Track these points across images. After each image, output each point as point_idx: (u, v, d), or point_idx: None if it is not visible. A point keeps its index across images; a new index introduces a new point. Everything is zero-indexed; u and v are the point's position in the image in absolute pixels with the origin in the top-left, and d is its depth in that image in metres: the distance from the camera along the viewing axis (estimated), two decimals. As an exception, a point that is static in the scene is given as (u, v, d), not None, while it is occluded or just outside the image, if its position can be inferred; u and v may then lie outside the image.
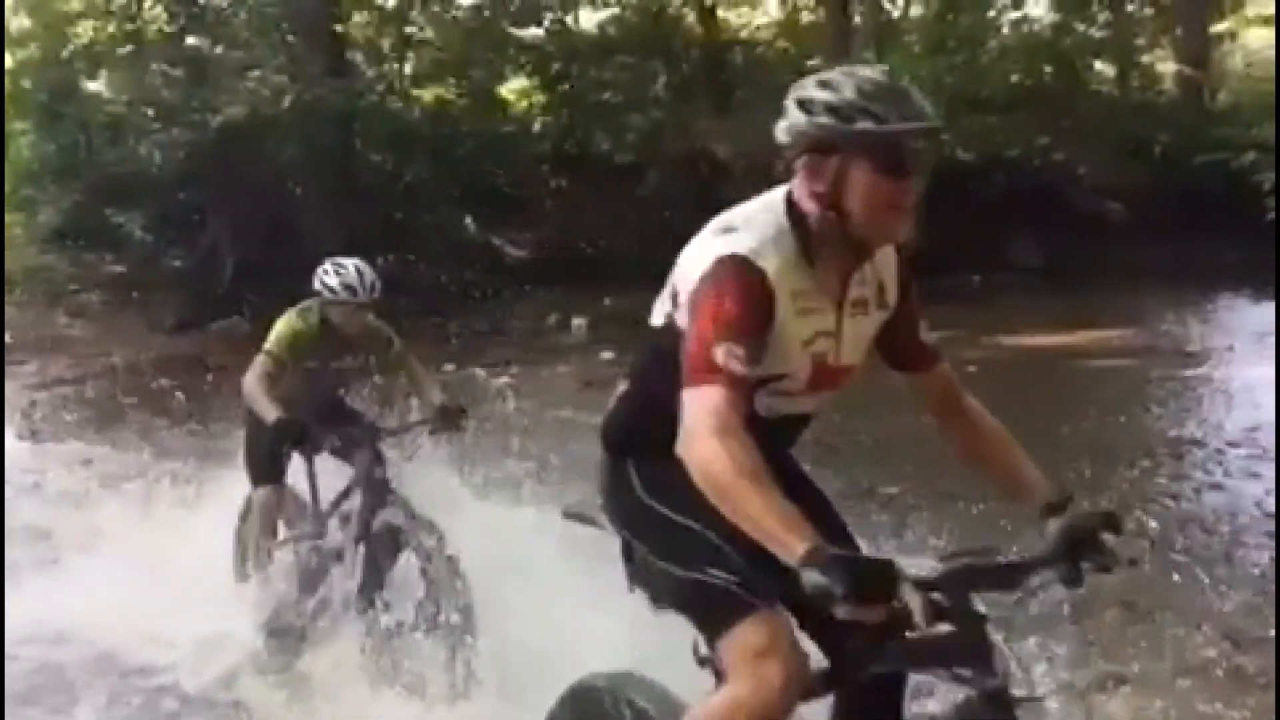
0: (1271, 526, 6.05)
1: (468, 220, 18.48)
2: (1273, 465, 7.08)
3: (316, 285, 4.92)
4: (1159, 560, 5.60)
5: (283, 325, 5.03)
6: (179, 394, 11.33)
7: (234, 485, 5.59)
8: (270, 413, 4.79)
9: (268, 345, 4.98)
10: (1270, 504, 6.41)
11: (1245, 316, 13.51)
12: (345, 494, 4.98)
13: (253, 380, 4.91)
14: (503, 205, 18.78)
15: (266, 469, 5.20)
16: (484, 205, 18.51)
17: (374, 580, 4.72)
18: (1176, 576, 5.36)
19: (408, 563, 4.65)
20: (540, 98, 20.49)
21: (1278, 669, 3.95)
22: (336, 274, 4.89)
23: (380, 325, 5.24)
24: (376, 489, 4.76)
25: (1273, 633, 4.62)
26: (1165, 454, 7.65)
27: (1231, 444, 7.82)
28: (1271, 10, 20.61)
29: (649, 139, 19.39)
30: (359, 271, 4.90)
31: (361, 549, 4.74)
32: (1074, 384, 10.47)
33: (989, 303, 15.18)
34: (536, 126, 20.41)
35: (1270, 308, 11.50)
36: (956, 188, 17.13)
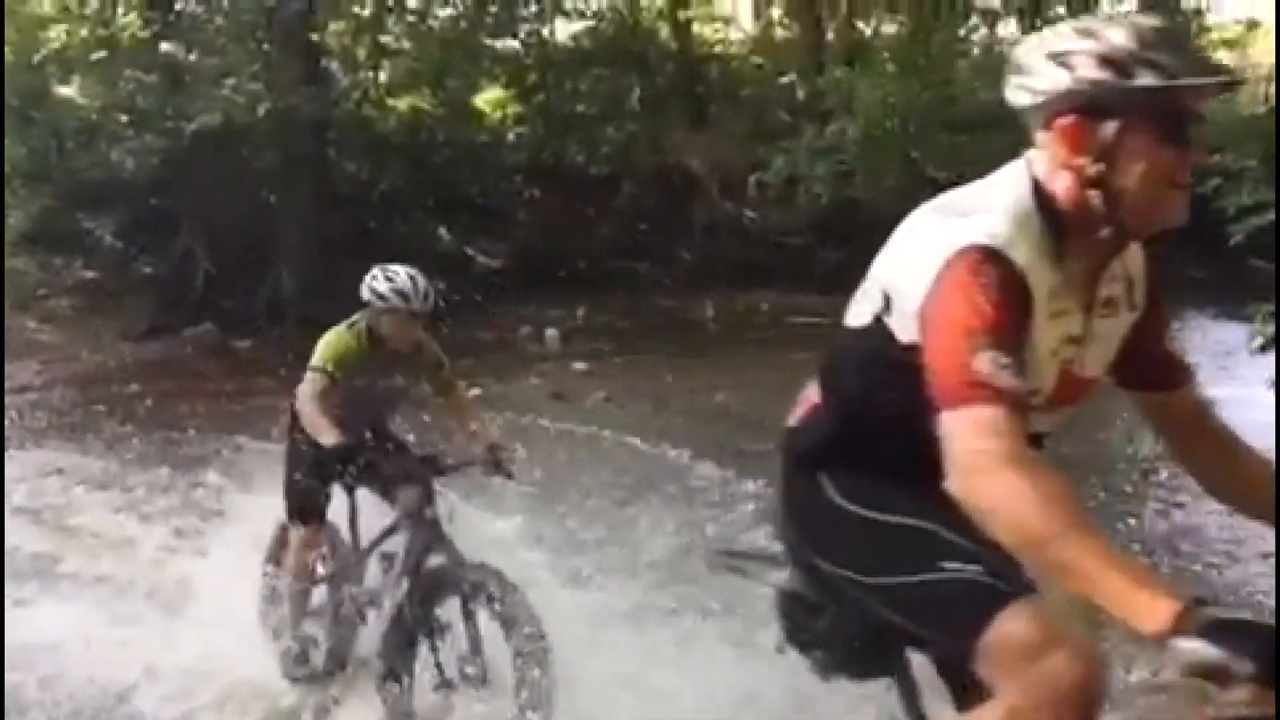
0: (1233, 545, 6.14)
1: (442, 230, 18.47)
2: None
3: (365, 294, 4.54)
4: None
5: (332, 339, 4.63)
6: (149, 401, 11.33)
7: (222, 498, 5.47)
8: (329, 435, 4.33)
9: (318, 361, 4.55)
10: (1231, 523, 6.50)
11: (1209, 335, 13.70)
12: (389, 532, 4.56)
13: (309, 400, 4.45)
14: (477, 215, 18.78)
15: (310, 503, 4.76)
16: (458, 215, 18.52)
17: (418, 629, 4.30)
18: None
19: (458, 612, 4.20)
20: (515, 108, 20.52)
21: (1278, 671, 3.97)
22: (388, 279, 4.51)
23: (432, 343, 4.83)
24: (428, 529, 4.32)
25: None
26: (1129, 472, 7.75)
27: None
28: (1234, 34, 21.04)
29: (623, 151, 19.46)
30: (412, 278, 4.50)
31: (404, 594, 4.30)
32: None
33: (958, 319, 15.29)
34: (511, 137, 20.43)
35: (1231, 327, 11.68)
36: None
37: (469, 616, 4.12)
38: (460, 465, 4.61)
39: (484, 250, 18.51)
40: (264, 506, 5.42)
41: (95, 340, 15.32)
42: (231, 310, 15.79)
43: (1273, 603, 5.16)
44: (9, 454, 9.23)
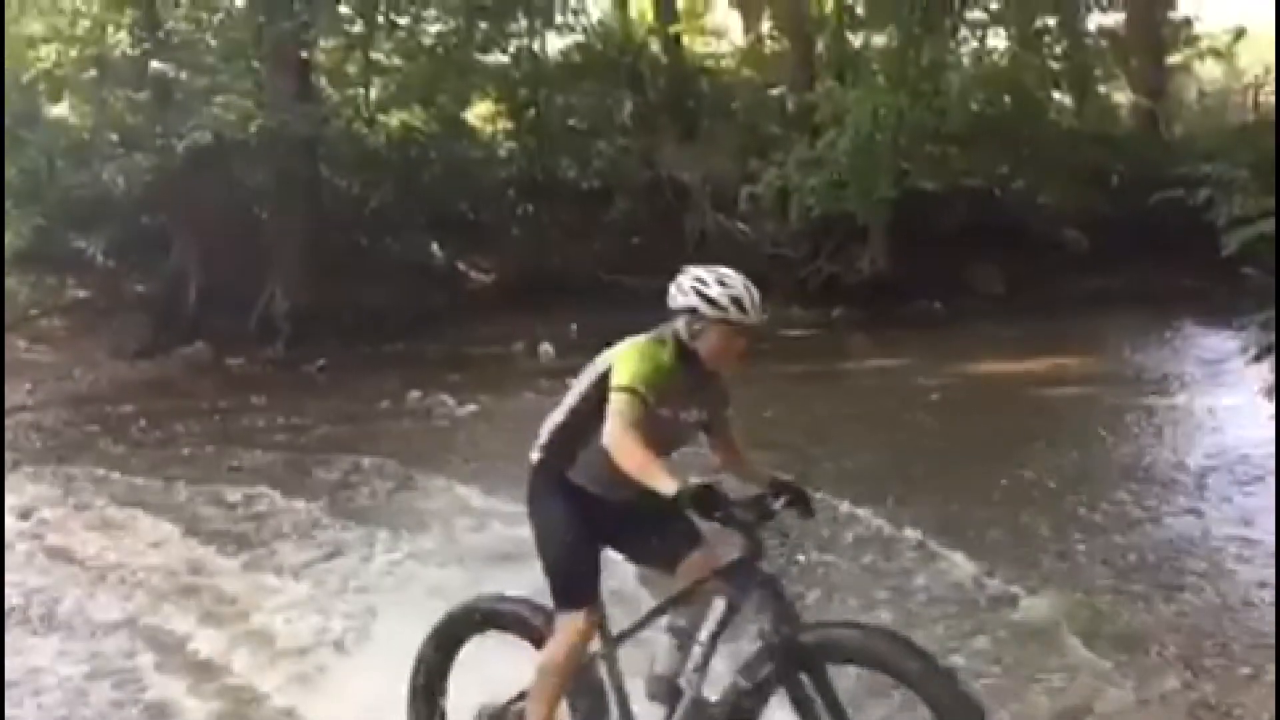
0: (1229, 561, 6.13)
1: (434, 245, 18.48)
2: (1235, 492, 7.21)
3: (682, 300, 3.53)
4: (1120, 589, 5.69)
5: (641, 352, 3.55)
6: (143, 420, 11.29)
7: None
8: (667, 480, 3.20)
9: (628, 381, 3.43)
10: (1235, 532, 6.50)
11: (1202, 344, 13.74)
12: (678, 599, 3.59)
13: (626, 432, 3.34)
14: (469, 230, 18.81)
15: (592, 579, 3.62)
16: (450, 230, 18.53)
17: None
18: (1142, 605, 5.45)
19: (812, 689, 3.28)
20: (506, 124, 20.57)
21: (1278, 672, 3.94)
22: (721, 284, 3.51)
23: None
24: (779, 599, 3.31)
25: (1229, 662, 4.70)
26: (1124, 481, 7.75)
27: (1195, 471, 7.92)
28: (1222, 44, 21.16)
29: (615, 165, 19.51)
30: (745, 284, 3.54)
31: (733, 683, 3.34)
32: (1034, 411, 10.59)
33: (951, 330, 15.34)
34: (502, 152, 20.48)
35: (1226, 335, 11.71)
36: (919, 216, 17.38)
37: (825, 692, 3.28)
38: (783, 506, 3.49)
39: (476, 265, 18.53)
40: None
41: (88, 360, 15.29)
42: (224, 328, 15.77)
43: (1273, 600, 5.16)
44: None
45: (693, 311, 3.51)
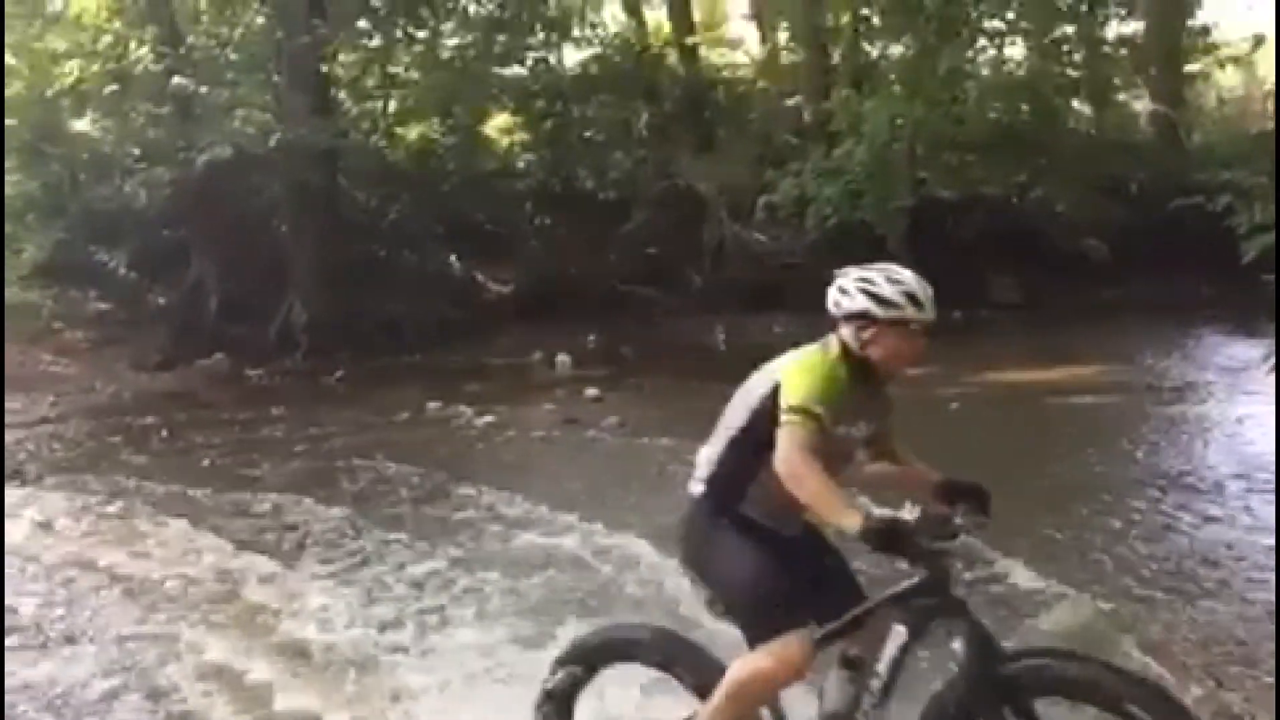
0: (1252, 569, 6.09)
1: (452, 257, 18.56)
2: (1257, 501, 7.16)
3: (849, 306, 3.20)
4: (1143, 596, 5.67)
5: (814, 370, 3.16)
6: (164, 431, 11.36)
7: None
8: (850, 515, 2.89)
9: (802, 401, 3.05)
10: (1258, 539, 6.46)
11: (1223, 351, 13.66)
12: (851, 623, 3.19)
13: (804, 458, 2.99)
14: (486, 242, 18.87)
15: (798, 595, 3.21)
16: (468, 242, 18.60)
17: None
18: (1165, 612, 5.42)
19: None
20: (524, 135, 20.65)
21: (1277, 674, 3.92)
22: (891, 281, 3.19)
23: None
24: (975, 626, 2.99)
25: (1257, 673, 4.67)
26: (1145, 488, 7.71)
27: (1217, 478, 7.88)
28: (1241, 52, 21.06)
29: (632, 176, 19.56)
30: (915, 278, 3.25)
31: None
32: (1054, 419, 10.55)
33: (969, 339, 15.25)
34: (520, 164, 20.57)
35: (1247, 343, 11.64)
36: (937, 225, 17.35)
37: None
38: (966, 518, 3.15)
39: (494, 277, 18.58)
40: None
41: (109, 372, 15.41)
42: (243, 339, 15.86)
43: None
44: (26, 489, 9.28)
45: (863, 315, 3.16)
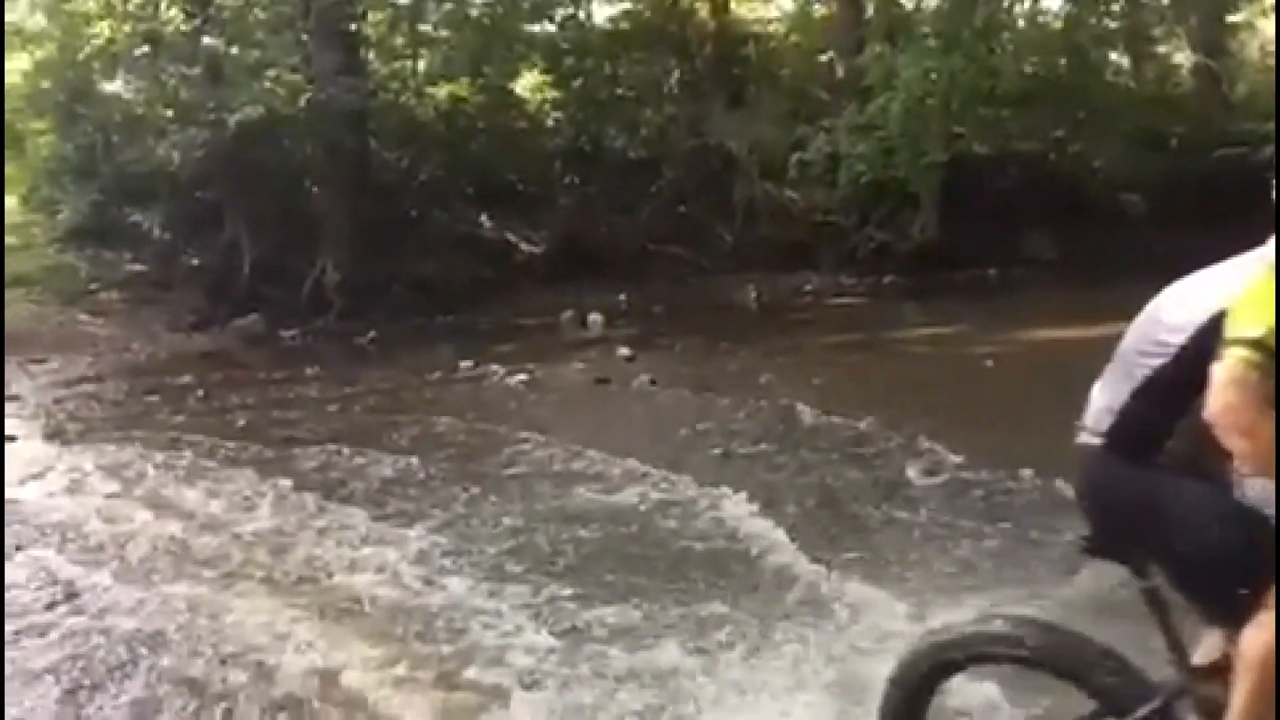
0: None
1: (482, 217, 18.54)
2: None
3: None
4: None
5: (1272, 291, 2.37)
6: (200, 391, 11.46)
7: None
8: None
9: (1263, 333, 2.32)
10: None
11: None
12: None
13: (1246, 403, 2.29)
14: (517, 201, 18.84)
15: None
16: (498, 201, 18.58)
17: None
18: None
19: None
20: (553, 94, 20.52)
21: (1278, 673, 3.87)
22: None
23: None
24: None
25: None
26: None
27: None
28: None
29: (662, 134, 19.42)
30: None
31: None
32: (1091, 377, 10.43)
33: (1005, 296, 15.14)
34: (550, 123, 20.44)
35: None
36: (972, 181, 17.14)
37: None
38: None
39: (525, 236, 18.56)
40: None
41: (146, 332, 15.56)
42: (276, 300, 15.96)
43: None
44: (69, 446, 9.37)
45: None
